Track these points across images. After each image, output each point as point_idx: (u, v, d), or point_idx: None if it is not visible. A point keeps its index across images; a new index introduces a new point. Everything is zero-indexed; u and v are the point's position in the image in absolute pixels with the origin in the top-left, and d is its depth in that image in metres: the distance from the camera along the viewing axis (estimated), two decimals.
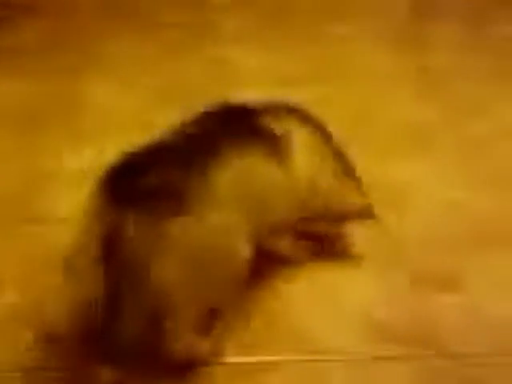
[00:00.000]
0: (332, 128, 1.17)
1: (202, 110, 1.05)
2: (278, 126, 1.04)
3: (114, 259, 0.82)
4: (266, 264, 1.14)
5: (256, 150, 0.99)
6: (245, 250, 0.94)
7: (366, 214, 1.20)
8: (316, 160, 1.09)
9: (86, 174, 1.04)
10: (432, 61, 2.16)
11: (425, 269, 1.22)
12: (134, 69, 2.02)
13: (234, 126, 1.00)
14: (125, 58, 2.09)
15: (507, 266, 1.23)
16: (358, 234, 1.27)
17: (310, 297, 1.15)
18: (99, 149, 1.53)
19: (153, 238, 0.83)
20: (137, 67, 2.03)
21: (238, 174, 0.95)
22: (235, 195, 0.93)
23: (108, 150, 1.21)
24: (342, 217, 1.21)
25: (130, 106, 1.78)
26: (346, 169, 1.16)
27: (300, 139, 1.06)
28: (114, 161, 0.90)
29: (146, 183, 0.86)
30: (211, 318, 0.99)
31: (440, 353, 1.03)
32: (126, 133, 1.57)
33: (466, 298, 1.15)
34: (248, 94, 1.17)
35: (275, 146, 1.02)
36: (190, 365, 0.95)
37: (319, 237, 1.26)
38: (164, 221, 0.84)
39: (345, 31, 2.27)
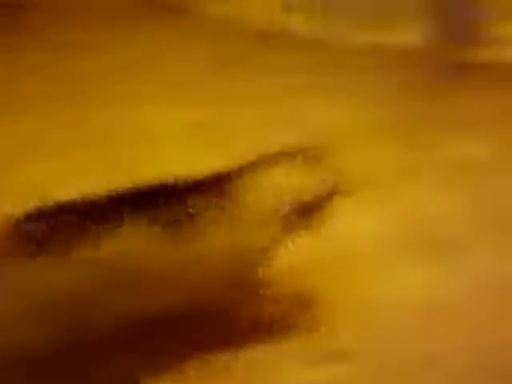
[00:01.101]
0: None
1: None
2: (199, 205, 1.10)
3: None
4: None
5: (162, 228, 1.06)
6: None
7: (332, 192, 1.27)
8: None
9: None
10: None
11: None
12: None
13: (141, 205, 1.08)
14: None
15: None
16: None
17: None
18: None
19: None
20: None
21: (122, 249, 1.03)
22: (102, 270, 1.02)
23: None
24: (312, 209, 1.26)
25: None
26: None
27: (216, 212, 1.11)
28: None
29: (29, 230, 1.00)
30: None
31: None
32: None
33: None
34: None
35: (181, 224, 1.07)
36: None
37: None
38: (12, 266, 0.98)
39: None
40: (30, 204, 1.15)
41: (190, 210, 1.11)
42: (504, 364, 1.22)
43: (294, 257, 1.35)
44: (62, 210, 1.08)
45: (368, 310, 1.35)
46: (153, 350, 1.13)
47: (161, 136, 2.22)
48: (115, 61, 3.06)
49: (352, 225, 1.62)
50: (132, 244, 1.05)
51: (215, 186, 1.21)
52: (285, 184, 1.28)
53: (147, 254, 1.07)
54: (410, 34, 3.56)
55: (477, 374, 1.19)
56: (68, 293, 1.02)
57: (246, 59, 3.24)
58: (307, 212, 1.30)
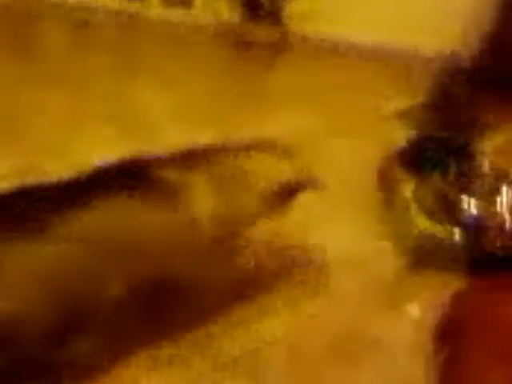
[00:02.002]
0: None
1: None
2: (171, 176, 1.14)
3: None
4: None
5: (143, 199, 1.10)
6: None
7: (306, 183, 1.35)
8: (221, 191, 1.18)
9: None
10: None
11: None
12: None
13: (125, 179, 1.11)
14: None
15: None
16: None
17: None
18: None
19: None
20: None
21: (115, 218, 1.06)
22: (103, 237, 1.03)
23: None
24: (286, 194, 1.33)
25: None
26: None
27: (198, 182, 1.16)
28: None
29: (14, 211, 0.99)
30: None
31: None
32: None
33: None
34: None
35: (166, 194, 1.12)
36: None
37: None
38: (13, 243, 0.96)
39: None
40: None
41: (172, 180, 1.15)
42: None
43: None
44: (41, 188, 1.08)
45: None
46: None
47: None
48: None
49: None
50: (118, 216, 1.08)
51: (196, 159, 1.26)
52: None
53: (135, 224, 1.10)
54: (218, 13, 3.53)
55: None
56: (64, 267, 1.03)
57: None
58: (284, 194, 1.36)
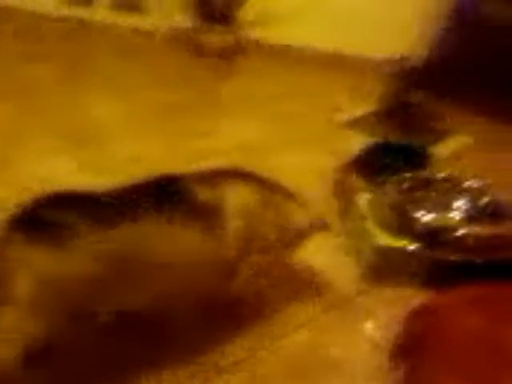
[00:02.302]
0: None
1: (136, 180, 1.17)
2: (208, 194, 1.15)
3: None
4: None
5: (182, 221, 1.11)
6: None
7: (317, 225, 1.40)
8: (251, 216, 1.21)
9: None
10: None
11: None
12: None
13: (162, 197, 1.12)
14: None
15: None
16: None
17: None
18: None
19: (20, 258, 1.03)
20: None
21: (146, 237, 1.09)
22: (118, 259, 1.06)
23: None
24: (298, 236, 1.37)
25: None
26: (284, 196, 1.34)
27: (236, 201, 1.19)
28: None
29: (48, 218, 1.05)
30: None
31: None
32: None
33: None
34: None
35: (201, 214, 1.13)
36: None
37: None
38: (32, 248, 1.03)
39: None
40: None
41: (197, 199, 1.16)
42: None
43: None
44: (69, 199, 1.11)
45: None
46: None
47: None
48: None
49: None
50: (139, 234, 1.10)
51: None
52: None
53: (155, 244, 1.12)
54: (171, 18, 3.48)
55: None
56: (77, 280, 1.06)
57: None
58: None
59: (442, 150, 2.56)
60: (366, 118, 2.79)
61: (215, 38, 3.44)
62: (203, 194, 1.16)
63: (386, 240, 1.62)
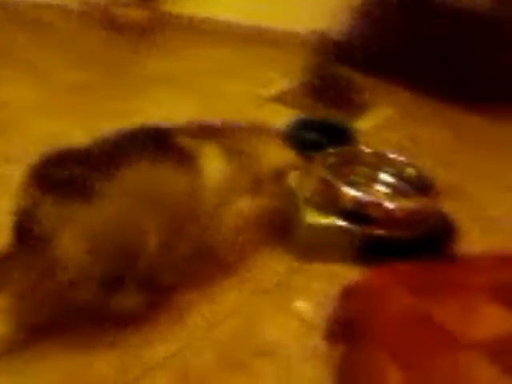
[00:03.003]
0: None
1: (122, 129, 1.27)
2: (187, 143, 1.28)
3: (24, 229, 1.06)
4: None
5: (165, 162, 1.23)
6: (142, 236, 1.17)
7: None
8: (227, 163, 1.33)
9: None
10: None
11: None
12: None
13: (148, 143, 1.24)
14: None
15: None
16: None
17: None
18: None
19: (57, 217, 1.06)
20: None
21: (144, 178, 1.19)
22: (138, 194, 1.16)
23: None
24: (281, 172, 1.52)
25: None
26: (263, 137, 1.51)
27: (209, 151, 1.30)
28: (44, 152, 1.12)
29: (63, 175, 1.09)
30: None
31: None
32: None
33: None
34: None
35: (183, 159, 1.25)
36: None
37: None
38: (69, 206, 1.07)
39: None
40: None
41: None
42: None
43: None
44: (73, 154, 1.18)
45: None
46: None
47: None
48: None
49: None
50: (146, 175, 1.20)
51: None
52: None
53: (159, 182, 1.23)
54: None
55: None
56: (115, 224, 1.14)
57: None
58: None
59: (366, 122, 2.58)
60: (292, 92, 2.77)
61: (132, 12, 3.31)
62: (184, 141, 1.29)
63: (314, 217, 1.60)
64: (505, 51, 2.97)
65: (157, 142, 1.25)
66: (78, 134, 2.04)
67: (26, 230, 1.08)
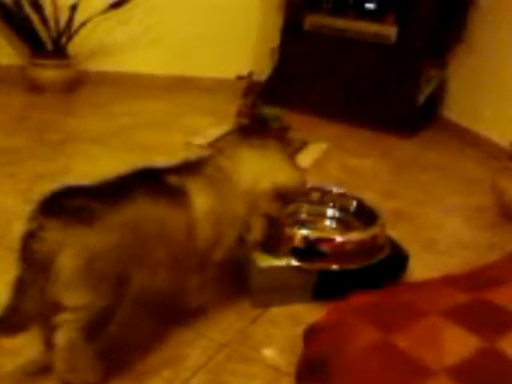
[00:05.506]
0: None
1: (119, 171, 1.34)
2: (176, 180, 1.38)
3: (27, 250, 1.17)
4: None
5: (160, 198, 1.33)
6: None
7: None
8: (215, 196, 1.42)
9: None
10: None
11: None
12: None
13: (143, 182, 1.34)
14: None
15: None
16: None
17: None
18: None
19: (59, 240, 1.17)
20: None
21: (144, 212, 1.30)
22: (139, 227, 1.27)
23: None
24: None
25: None
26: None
27: (197, 186, 1.40)
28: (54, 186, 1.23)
29: (69, 204, 1.22)
30: None
31: None
32: None
33: None
34: None
35: (175, 195, 1.36)
36: None
37: None
38: (71, 230, 1.18)
39: None
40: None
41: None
42: None
43: None
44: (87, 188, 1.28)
45: None
46: None
47: None
48: None
49: None
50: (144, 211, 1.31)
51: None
52: None
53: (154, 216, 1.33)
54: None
55: None
56: (113, 251, 1.23)
57: None
58: None
59: (305, 159, 2.60)
60: (223, 138, 2.76)
61: (50, 73, 3.24)
62: (172, 179, 1.39)
63: (266, 260, 1.57)
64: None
65: (150, 181, 1.36)
66: (8, 200, 1.96)
67: (30, 250, 1.17)
